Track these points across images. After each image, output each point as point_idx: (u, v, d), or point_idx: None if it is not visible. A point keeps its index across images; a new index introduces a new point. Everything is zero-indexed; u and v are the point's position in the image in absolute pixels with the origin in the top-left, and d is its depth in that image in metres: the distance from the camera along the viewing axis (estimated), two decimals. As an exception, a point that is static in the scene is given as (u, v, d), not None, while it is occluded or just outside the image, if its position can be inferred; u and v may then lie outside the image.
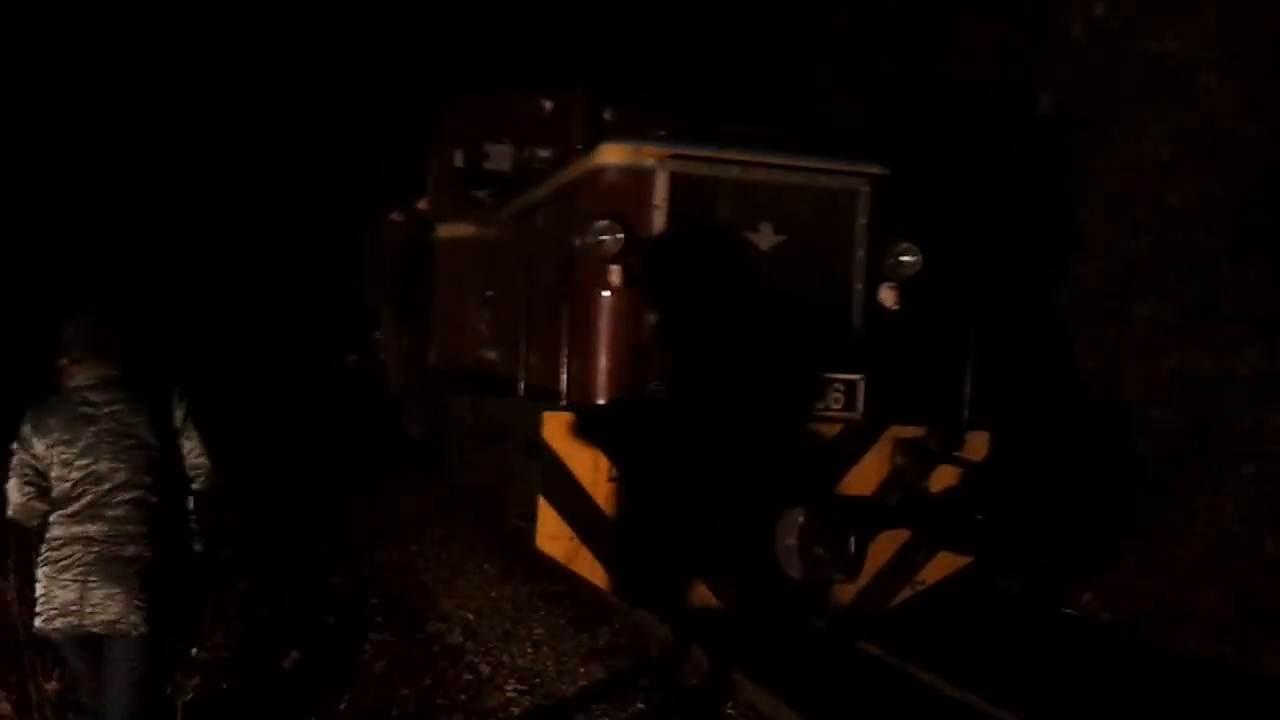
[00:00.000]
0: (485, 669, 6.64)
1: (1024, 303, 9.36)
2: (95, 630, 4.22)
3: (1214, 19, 8.93)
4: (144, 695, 4.32)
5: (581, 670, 6.63)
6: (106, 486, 4.22)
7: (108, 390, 4.32)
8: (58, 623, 4.22)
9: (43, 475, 4.24)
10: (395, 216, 11.22)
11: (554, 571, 6.66)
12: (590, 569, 6.33)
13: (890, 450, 6.64)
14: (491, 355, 9.28)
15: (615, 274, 6.62)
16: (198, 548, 4.45)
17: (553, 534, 6.29)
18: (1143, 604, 8.04)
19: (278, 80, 17.76)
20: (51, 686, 5.48)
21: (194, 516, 4.44)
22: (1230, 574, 7.80)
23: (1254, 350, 8.00)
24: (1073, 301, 9.28)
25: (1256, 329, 8.05)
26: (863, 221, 6.89)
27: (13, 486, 4.26)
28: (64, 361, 4.41)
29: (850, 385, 6.70)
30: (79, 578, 4.18)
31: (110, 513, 4.21)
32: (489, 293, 9.54)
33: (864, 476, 6.60)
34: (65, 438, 4.23)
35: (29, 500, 4.26)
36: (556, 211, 7.68)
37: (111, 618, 4.19)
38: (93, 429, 4.25)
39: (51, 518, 4.24)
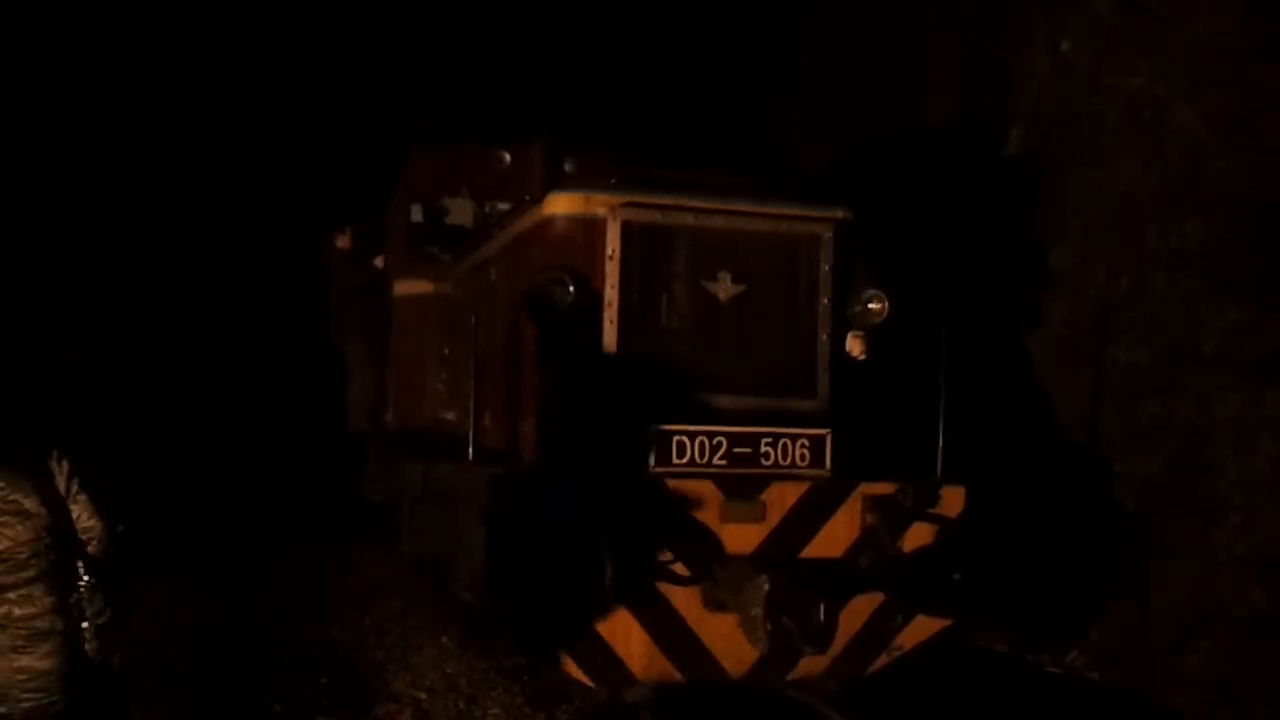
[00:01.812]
0: (434, 756, 6.24)
1: (996, 349, 9.08)
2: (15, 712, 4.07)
3: (1184, 52, 8.74)
4: None
5: (537, 755, 6.24)
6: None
7: None
8: None
9: None
10: (340, 242, 10.92)
11: (513, 645, 6.27)
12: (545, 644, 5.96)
13: (860, 509, 6.31)
14: (447, 416, 8.91)
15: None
16: (99, 613, 4.23)
17: (503, 608, 5.93)
18: (1131, 662, 7.69)
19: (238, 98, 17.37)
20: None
21: (90, 581, 4.25)
22: (1220, 629, 7.46)
23: (1236, 395, 7.70)
24: (1047, 346, 8.99)
25: (1239, 373, 7.77)
26: (826, 268, 6.60)
27: None
28: None
29: (817, 441, 6.33)
30: None
31: (11, 594, 4.04)
32: (445, 351, 9.20)
33: (833, 537, 6.24)
34: None
35: None
36: (508, 265, 7.36)
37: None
38: None
39: None
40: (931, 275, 8.93)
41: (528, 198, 7.26)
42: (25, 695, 4.05)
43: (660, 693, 6.02)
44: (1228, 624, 7.60)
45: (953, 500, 6.55)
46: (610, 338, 6.30)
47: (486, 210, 9.94)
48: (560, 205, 6.50)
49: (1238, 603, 7.62)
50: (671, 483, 6.03)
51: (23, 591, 4.08)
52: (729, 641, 6.04)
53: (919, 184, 9.96)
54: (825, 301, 6.60)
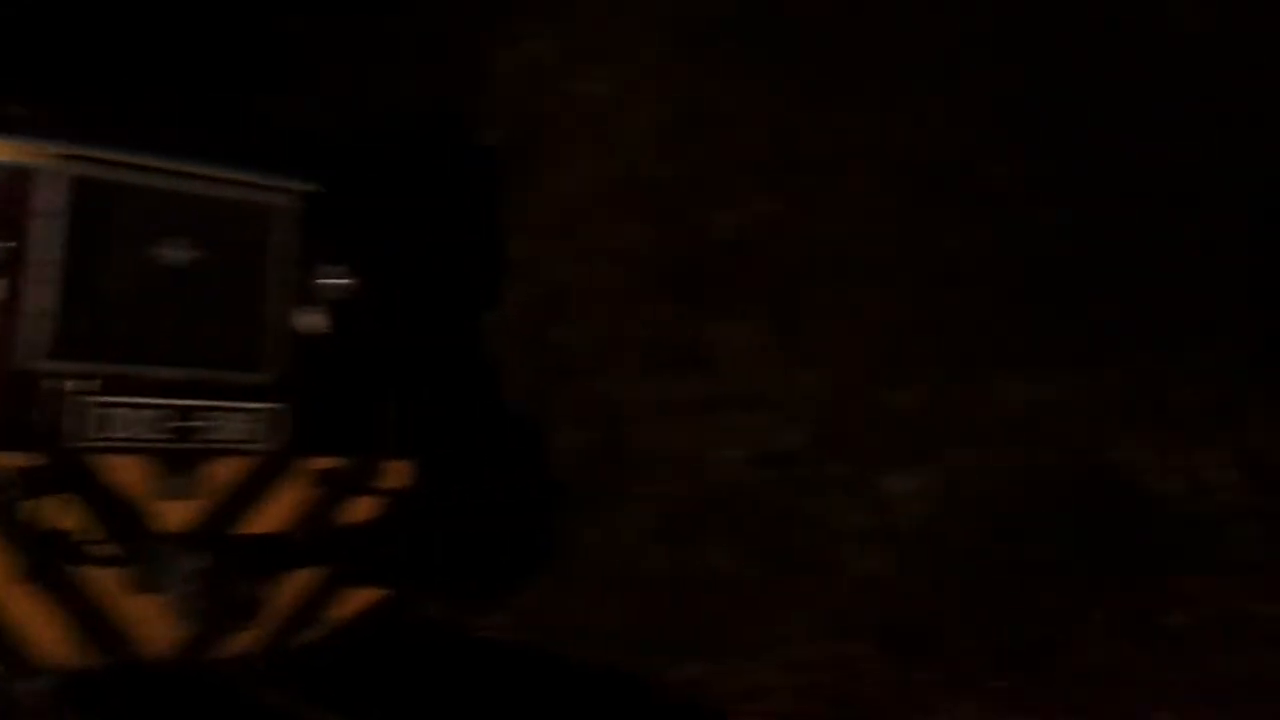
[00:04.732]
0: None
1: (456, 328, 9.54)
2: None
3: (635, 63, 9.64)
4: None
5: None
6: None
7: None
8: None
9: None
10: None
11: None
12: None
13: (304, 483, 6.42)
14: None
15: (-2, 289, 5.83)
16: None
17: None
18: (553, 620, 8.49)
19: None
20: None
21: None
22: (630, 587, 8.45)
23: (655, 379, 8.76)
24: (501, 327, 9.62)
25: (658, 360, 8.82)
26: (289, 240, 6.57)
27: None
28: None
29: (263, 415, 6.34)
30: None
31: None
32: None
33: (275, 513, 6.27)
34: None
35: None
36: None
37: None
38: None
39: None
40: (395, 255, 9.17)
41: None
42: None
43: (70, 680, 5.79)
44: (638, 582, 8.63)
45: (398, 474, 6.85)
46: (43, 302, 5.89)
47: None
48: (-10, 153, 5.96)
49: (647, 563, 8.69)
50: (101, 458, 5.80)
51: None
52: (158, 622, 5.88)
53: (391, 166, 10.15)
54: (283, 273, 6.57)
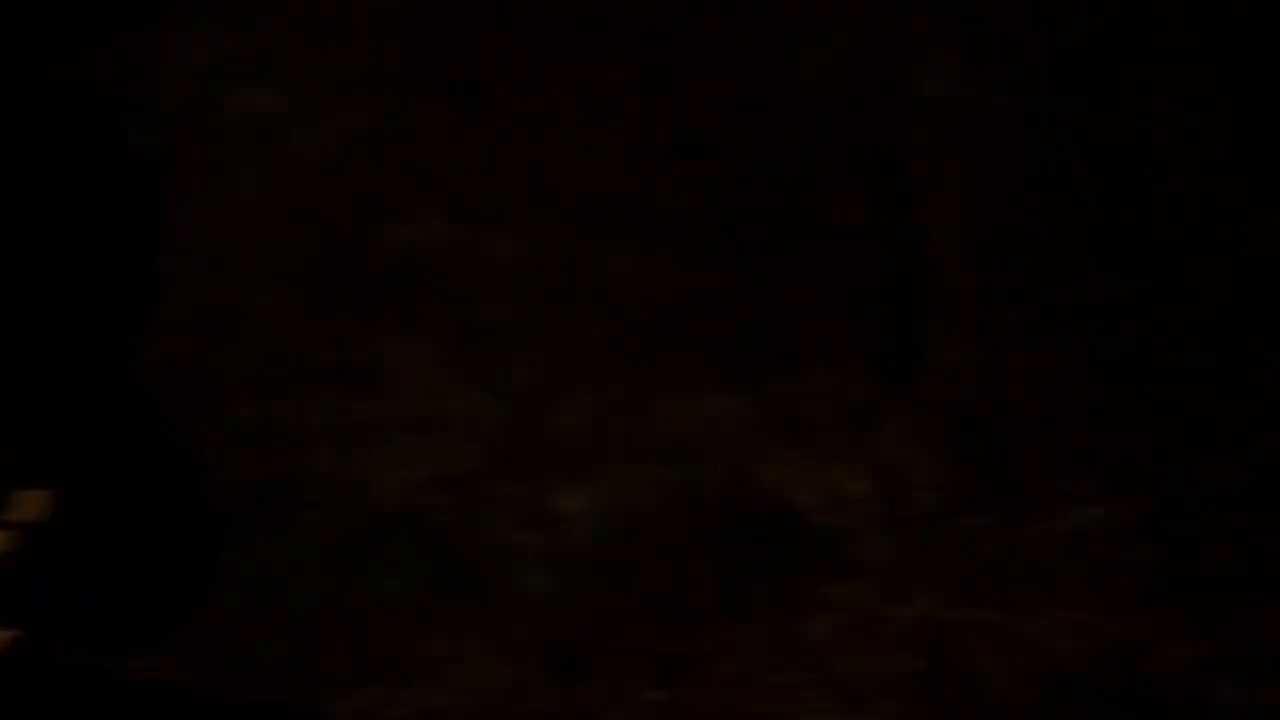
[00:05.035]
0: None
1: (102, 347, 9.01)
2: None
3: (305, 76, 9.42)
4: None
5: None
6: None
7: None
8: None
9: None
10: None
11: None
12: None
13: (-78, 519, 5.91)
14: None
15: None
16: None
17: None
18: (215, 657, 8.12)
19: None
20: None
21: None
22: (298, 618, 8.22)
23: (323, 400, 8.59)
24: (156, 347, 9.15)
25: (330, 380, 8.66)
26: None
27: None
28: None
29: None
30: None
31: None
32: None
33: (-117, 553, 5.76)
34: None
35: None
36: None
37: None
38: None
39: None
40: (31, 267, 8.58)
41: None
42: None
43: None
44: (307, 612, 8.41)
45: (33, 504, 6.36)
46: None
47: None
48: None
49: (316, 592, 8.47)
50: None
51: None
52: None
53: (32, 170, 9.48)
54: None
